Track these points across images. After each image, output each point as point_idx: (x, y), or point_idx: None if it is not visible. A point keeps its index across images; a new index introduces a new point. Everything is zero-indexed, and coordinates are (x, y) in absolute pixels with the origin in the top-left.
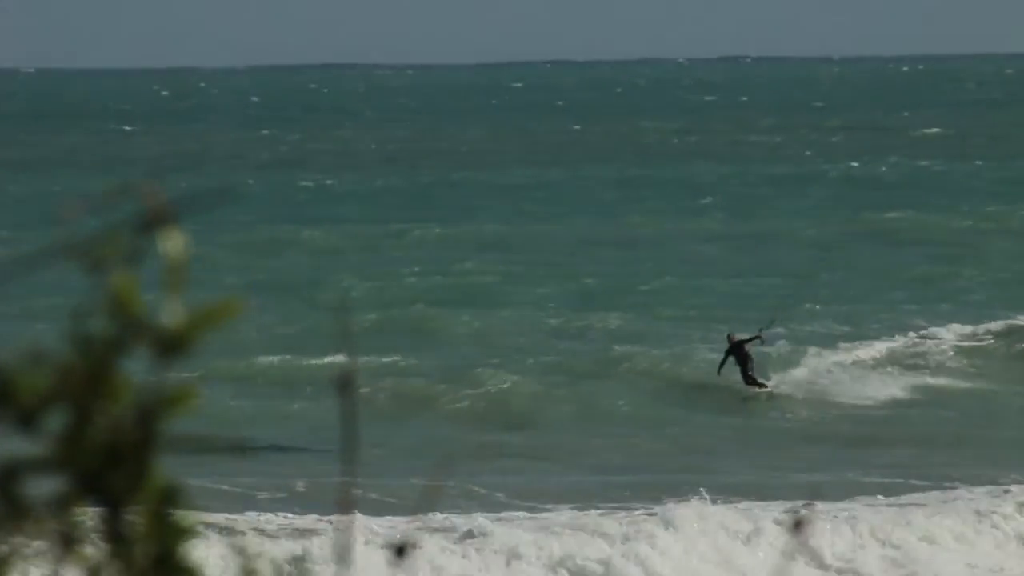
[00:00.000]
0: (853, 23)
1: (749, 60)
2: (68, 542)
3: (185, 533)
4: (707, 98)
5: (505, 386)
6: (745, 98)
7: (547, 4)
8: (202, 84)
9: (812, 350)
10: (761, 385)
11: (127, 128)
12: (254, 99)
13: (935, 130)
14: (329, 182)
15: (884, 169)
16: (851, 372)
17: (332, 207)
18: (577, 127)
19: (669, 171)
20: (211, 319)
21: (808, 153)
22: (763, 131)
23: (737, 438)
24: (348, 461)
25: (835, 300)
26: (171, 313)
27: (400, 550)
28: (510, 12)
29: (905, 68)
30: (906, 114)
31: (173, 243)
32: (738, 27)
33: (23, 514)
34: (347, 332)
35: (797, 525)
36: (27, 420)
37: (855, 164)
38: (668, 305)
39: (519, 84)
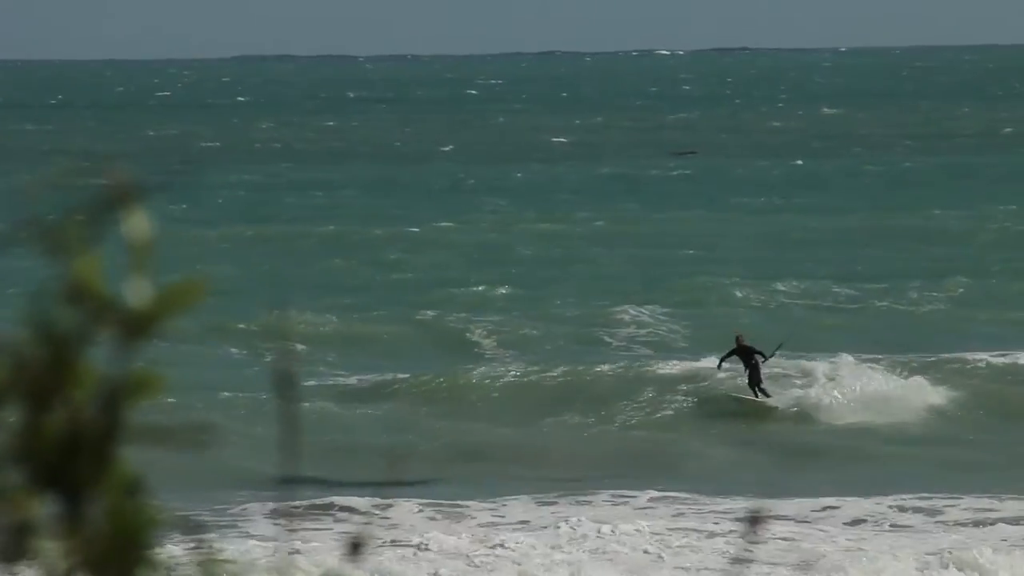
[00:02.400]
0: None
1: (746, 51)
2: (25, 536)
3: (148, 525)
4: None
5: None
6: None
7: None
8: (186, 73)
9: None
10: (766, 394)
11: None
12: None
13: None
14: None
15: None
16: None
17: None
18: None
19: None
20: (178, 300)
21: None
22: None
23: None
24: (288, 460)
25: None
26: (137, 294)
27: (355, 546)
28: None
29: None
30: None
31: (137, 224)
32: (732, 18)
33: None
34: (285, 332)
35: (753, 522)
36: None
37: None
38: None
39: (492, 79)
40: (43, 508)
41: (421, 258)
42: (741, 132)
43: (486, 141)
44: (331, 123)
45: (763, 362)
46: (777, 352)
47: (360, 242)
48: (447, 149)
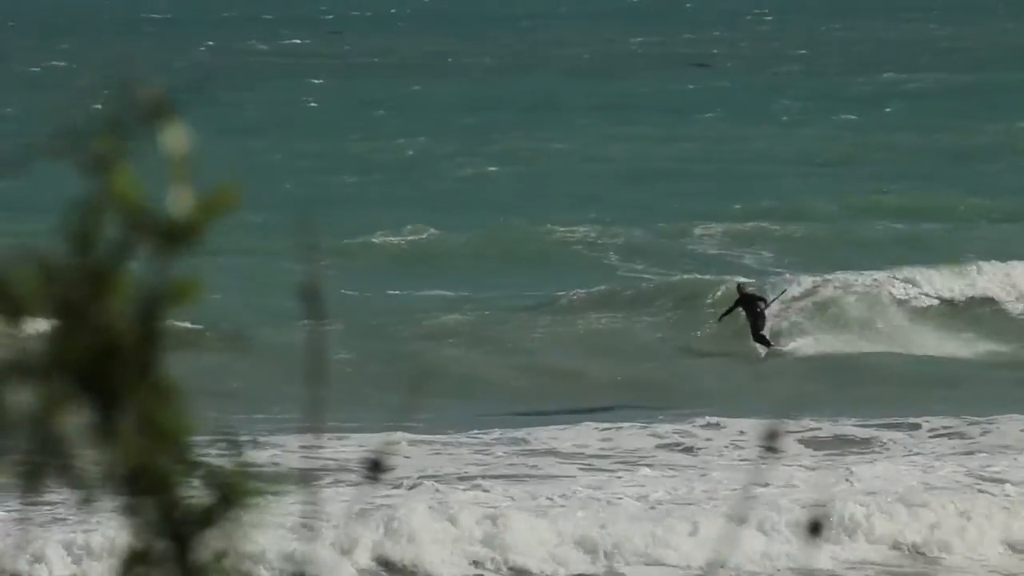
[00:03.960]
0: None
1: None
2: (63, 444)
3: (184, 432)
4: None
5: None
6: None
7: None
8: None
9: None
10: (769, 344)
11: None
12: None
13: None
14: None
15: None
16: None
17: None
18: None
19: None
20: (214, 208)
21: None
22: None
23: None
24: (316, 378)
25: None
26: (178, 202)
27: (376, 465)
28: None
29: None
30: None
31: (175, 135)
32: None
33: (13, 415)
34: (312, 245)
35: (771, 437)
36: (17, 316)
37: None
38: None
39: None
40: (80, 416)
41: (519, 172)
42: (805, 44)
43: (546, 54)
44: (349, 41)
45: (765, 308)
46: (779, 299)
47: (449, 158)
48: (490, 62)
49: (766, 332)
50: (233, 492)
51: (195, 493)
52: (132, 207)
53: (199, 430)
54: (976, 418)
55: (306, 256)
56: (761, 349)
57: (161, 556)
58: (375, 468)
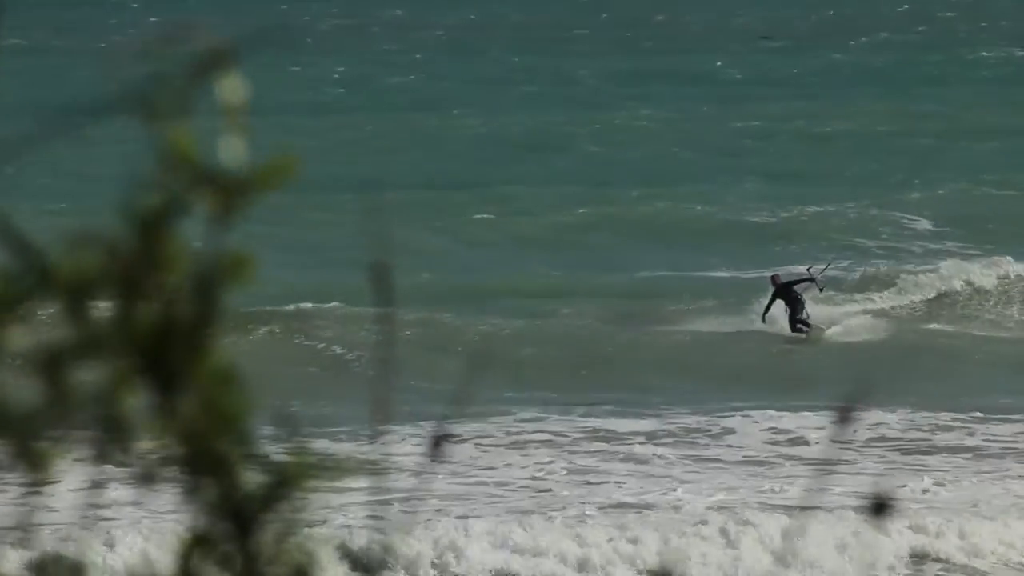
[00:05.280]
0: None
1: None
2: (120, 428)
3: (242, 414)
4: None
5: None
6: None
7: None
8: None
9: None
10: (807, 327)
11: None
12: None
13: None
14: None
15: None
16: None
17: None
18: None
19: None
20: (272, 174)
21: None
22: None
23: None
24: (385, 360)
25: None
26: (232, 156)
27: (438, 442)
28: None
29: None
30: None
31: (231, 86)
32: None
33: (71, 399)
34: (380, 225)
35: (843, 418)
36: (74, 304)
37: None
38: None
39: None
40: (138, 398)
41: (639, 148)
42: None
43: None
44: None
45: (813, 286)
46: (827, 269)
47: (558, 133)
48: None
49: (804, 315)
50: (293, 474)
51: (255, 475)
52: (188, 162)
53: (260, 412)
54: None
55: (376, 240)
56: (806, 331)
57: (222, 538)
58: (437, 446)
